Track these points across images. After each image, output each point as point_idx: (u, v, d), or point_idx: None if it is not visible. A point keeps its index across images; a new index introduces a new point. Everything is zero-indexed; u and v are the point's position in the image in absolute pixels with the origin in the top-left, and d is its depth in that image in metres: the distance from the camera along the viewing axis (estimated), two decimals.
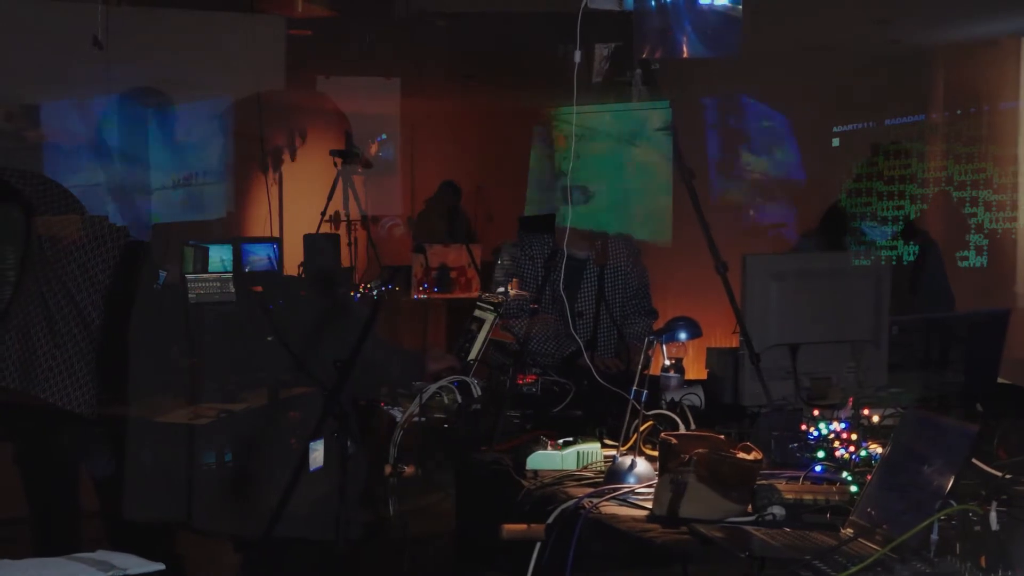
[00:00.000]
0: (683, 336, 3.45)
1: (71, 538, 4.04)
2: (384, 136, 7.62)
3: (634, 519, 2.68)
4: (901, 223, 5.33)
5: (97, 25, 4.30)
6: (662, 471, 2.72)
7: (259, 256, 6.42)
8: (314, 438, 3.43)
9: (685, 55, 3.52)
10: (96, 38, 4.34)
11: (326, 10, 5.90)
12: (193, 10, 5.37)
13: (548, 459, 3.14)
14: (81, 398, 3.97)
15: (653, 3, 3.41)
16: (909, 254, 5.48)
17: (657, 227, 4.73)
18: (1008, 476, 2.63)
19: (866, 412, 3.07)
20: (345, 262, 7.21)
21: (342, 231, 7.48)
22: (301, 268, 6.50)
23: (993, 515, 2.16)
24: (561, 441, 3.19)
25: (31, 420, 4.03)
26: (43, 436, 4.05)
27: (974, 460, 2.57)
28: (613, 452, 3.11)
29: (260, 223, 7.16)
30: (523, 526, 2.76)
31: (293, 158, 7.95)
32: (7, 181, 3.95)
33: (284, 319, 4.86)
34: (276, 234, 7.09)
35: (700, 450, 2.65)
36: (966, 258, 5.47)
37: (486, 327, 3.63)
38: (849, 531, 2.44)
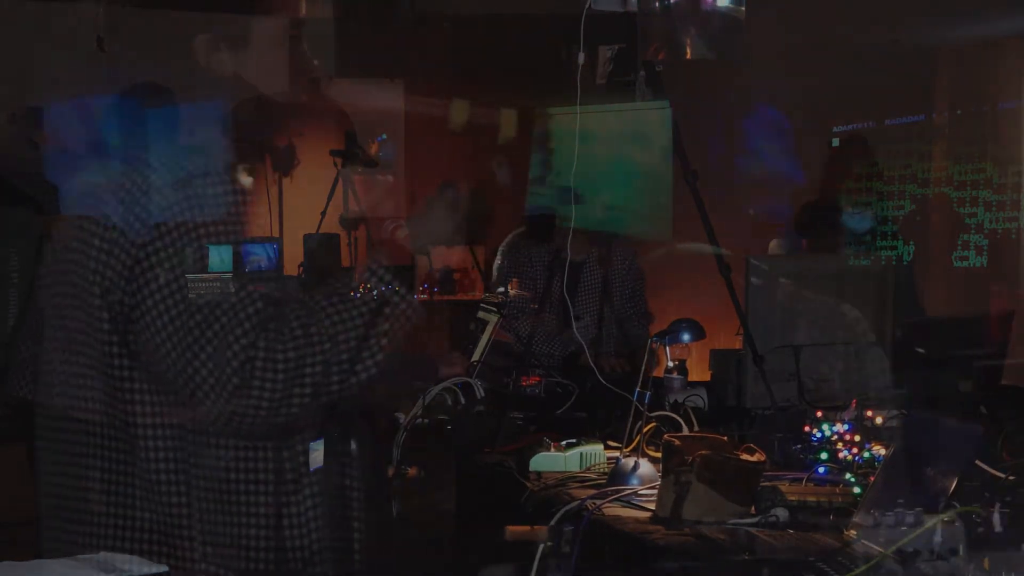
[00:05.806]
0: (686, 338, 3.46)
1: (75, 539, 4.02)
2: (384, 136, 7.60)
3: (637, 521, 2.69)
4: (890, 223, 5.31)
5: (100, 26, 4.30)
6: (665, 473, 2.72)
7: (259, 256, 6.41)
8: (315, 438, 3.41)
9: (689, 56, 3.53)
10: (99, 39, 4.34)
11: (329, 11, 5.89)
12: (196, 11, 5.36)
13: (551, 461, 3.14)
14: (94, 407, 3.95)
15: (657, 4, 3.41)
16: (907, 255, 5.48)
17: (656, 227, 4.72)
18: (1012, 478, 2.63)
19: (869, 414, 3.07)
20: (345, 262, 7.20)
21: (345, 231, 7.46)
22: (301, 268, 6.48)
23: (996, 517, 2.17)
24: (564, 443, 3.19)
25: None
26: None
27: (977, 462, 2.57)
28: (616, 454, 3.11)
29: (260, 223, 7.14)
30: (526, 528, 2.76)
31: (291, 163, 7.93)
32: (14, 184, 3.95)
33: None
34: (276, 234, 7.08)
35: (703, 452, 2.65)
36: (965, 258, 5.47)
37: (489, 329, 3.62)
38: (852, 533, 2.44)
